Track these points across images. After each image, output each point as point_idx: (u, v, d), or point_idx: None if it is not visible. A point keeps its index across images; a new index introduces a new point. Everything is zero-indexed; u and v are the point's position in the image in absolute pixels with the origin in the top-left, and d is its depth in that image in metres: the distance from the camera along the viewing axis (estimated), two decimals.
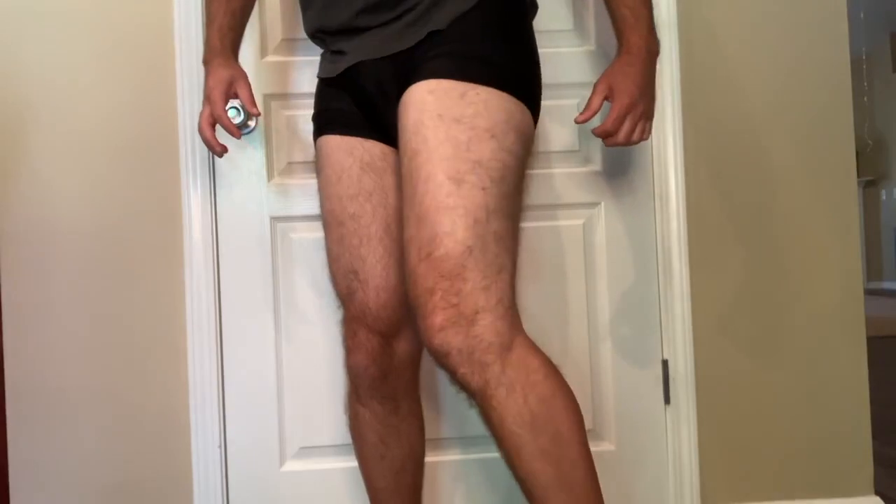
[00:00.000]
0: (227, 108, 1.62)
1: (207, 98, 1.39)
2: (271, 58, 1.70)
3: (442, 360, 1.10)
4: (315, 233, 1.69)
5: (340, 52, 1.31)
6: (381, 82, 1.27)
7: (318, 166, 1.39)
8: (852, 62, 1.77)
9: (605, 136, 1.23)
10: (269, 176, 1.69)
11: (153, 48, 1.67)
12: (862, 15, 6.36)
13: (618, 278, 1.74)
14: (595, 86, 1.25)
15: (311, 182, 1.68)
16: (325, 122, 1.37)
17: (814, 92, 1.77)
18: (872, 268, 8.46)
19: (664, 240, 1.73)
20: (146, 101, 1.67)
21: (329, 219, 1.36)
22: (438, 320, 1.07)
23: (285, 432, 1.69)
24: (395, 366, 1.36)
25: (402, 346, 1.36)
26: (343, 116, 1.34)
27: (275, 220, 1.69)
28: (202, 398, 1.66)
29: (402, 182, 1.17)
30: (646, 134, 1.25)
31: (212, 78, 1.39)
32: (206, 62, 1.43)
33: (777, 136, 1.77)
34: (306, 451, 1.69)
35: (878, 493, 1.77)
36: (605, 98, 1.24)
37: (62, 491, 1.65)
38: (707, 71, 1.75)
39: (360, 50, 1.28)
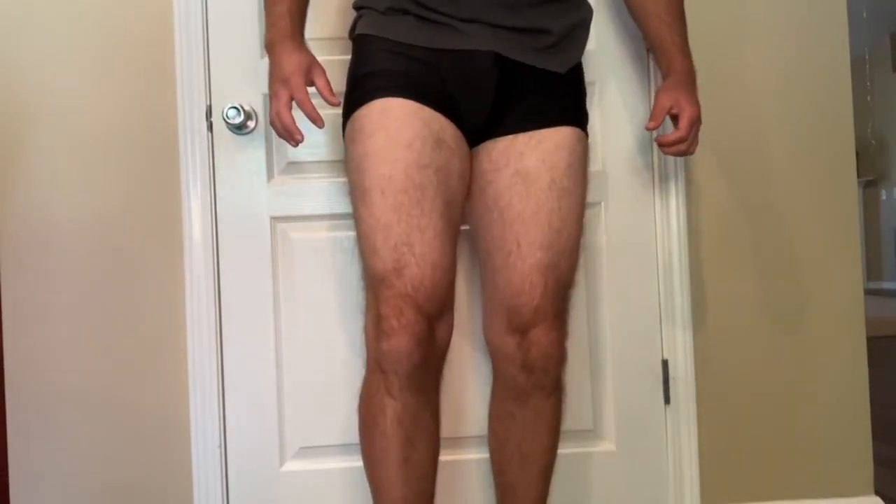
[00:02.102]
0: (227, 107, 1.63)
1: (286, 82, 1.29)
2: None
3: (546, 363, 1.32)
4: (315, 233, 1.69)
5: (449, 26, 1.28)
6: (487, 76, 1.29)
7: (371, 127, 1.28)
8: (853, 62, 1.77)
9: (679, 141, 1.36)
10: (269, 176, 1.69)
11: (153, 48, 1.67)
12: (864, 14, 6.35)
13: (618, 278, 1.74)
14: (658, 99, 1.37)
15: (311, 182, 1.69)
16: (399, 85, 1.29)
17: (814, 92, 1.77)
18: (872, 268, 8.45)
19: (664, 240, 1.73)
20: (146, 101, 1.67)
21: (384, 185, 1.24)
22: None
23: (285, 432, 1.69)
24: (434, 354, 1.28)
25: (442, 333, 1.29)
26: (424, 86, 1.29)
27: (275, 220, 1.69)
28: (202, 398, 1.66)
29: (529, 186, 1.31)
30: (696, 147, 1.41)
31: (288, 61, 1.30)
32: (274, 44, 1.33)
33: (777, 136, 1.77)
34: (306, 451, 1.69)
35: (878, 493, 1.77)
36: (669, 110, 1.36)
37: (62, 491, 1.65)
38: (707, 71, 1.74)
39: (494, 41, 1.28)
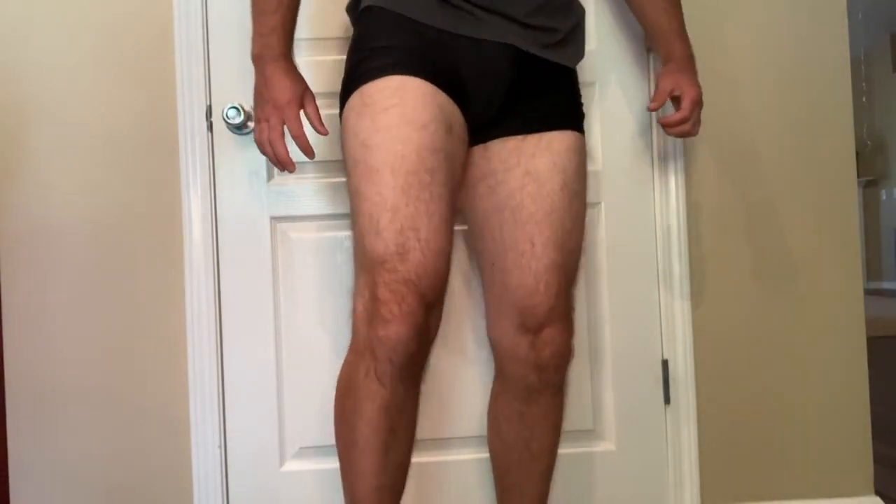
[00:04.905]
0: (227, 107, 1.63)
1: (280, 110, 1.29)
2: None
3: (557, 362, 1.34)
4: (315, 233, 1.69)
5: (468, 13, 1.27)
6: (500, 68, 1.29)
7: (385, 103, 1.23)
8: (851, 62, 1.77)
9: (681, 122, 1.39)
10: (269, 176, 1.69)
11: (153, 48, 1.67)
12: (860, 15, 6.36)
13: (618, 278, 1.74)
14: (660, 83, 1.41)
15: (311, 182, 1.69)
16: (416, 65, 1.25)
17: (814, 92, 1.77)
18: (872, 268, 8.45)
19: (664, 240, 1.74)
20: (146, 102, 1.67)
21: (396, 164, 1.20)
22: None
23: (285, 432, 1.69)
24: (426, 346, 1.26)
25: (433, 323, 1.26)
26: (439, 71, 1.27)
27: (275, 220, 1.69)
28: (202, 398, 1.66)
29: (541, 187, 1.31)
30: (699, 128, 1.44)
31: (283, 88, 1.29)
32: (264, 61, 1.31)
33: (777, 136, 1.77)
34: (306, 451, 1.69)
35: (878, 493, 1.77)
36: (671, 92, 1.40)
37: (62, 491, 1.65)
38: (707, 71, 1.74)
39: (510, 33, 1.28)
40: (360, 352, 1.22)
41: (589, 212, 1.74)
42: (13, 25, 1.65)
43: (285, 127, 1.31)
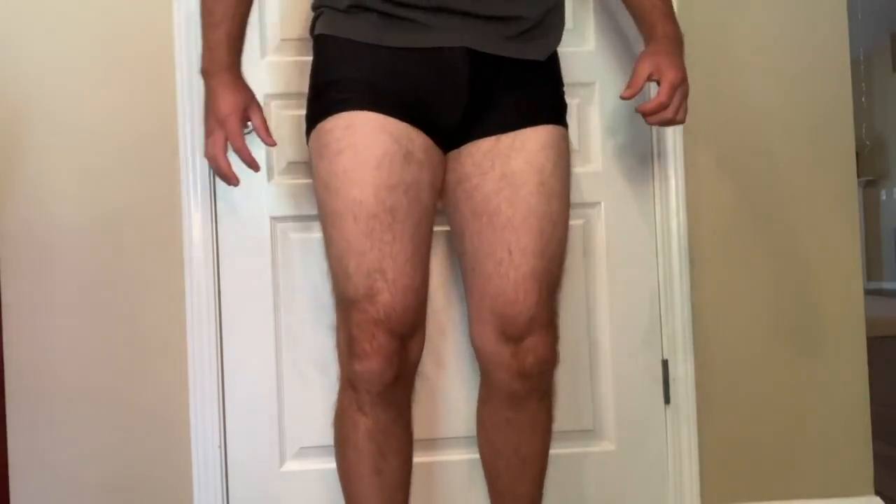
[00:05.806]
0: None
1: (222, 124, 1.29)
2: (271, 58, 1.70)
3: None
4: (315, 233, 1.68)
5: (415, 22, 1.23)
6: (457, 73, 1.24)
7: (337, 145, 1.24)
8: (851, 62, 1.77)
9: (660, 108, 1.25)
10: (269, 176, 1.69)
11: (153, 49, 1.67)
12: (860, 16, 6.36)
13: (618, 278, 1.74)
14: (637, 66, 1.27)
15: (311, 182, 1.68)
16: (363, 97, 1.24)
17: (814, 92, 1.77)
18: (872, 268, 8.44)
19: (664, 240, 1.73)
20: (146, 102, 1.67)
21: (355, 209, 1.21)
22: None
23: (285, 432, 1.69)
24: (406, 370, 1.28)
25: (414, 349, 1.29)
26: (390, 95, 1.24)
27: (275, 220, 1.69)
28: (202, 398, 1.66)
29: (517, 191, 1.26)
30: (685, 115, 1.29)
31: (224, 101, 1.30)
32: (209, 74, 1.31)
33: (777, 135, 1.77)
34: (306, 451, 1.69)
35: (878, 493, 1.77)
36: (649, 77, 1.26)
37: (62, 491, 1.65)
38: (707, 71, 1.75)
39: (463, 33, 1.23)
40: (344, 385, 1.30)
41: (589, 212, 1.74)
42: (13, 26, 1.65)
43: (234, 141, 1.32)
